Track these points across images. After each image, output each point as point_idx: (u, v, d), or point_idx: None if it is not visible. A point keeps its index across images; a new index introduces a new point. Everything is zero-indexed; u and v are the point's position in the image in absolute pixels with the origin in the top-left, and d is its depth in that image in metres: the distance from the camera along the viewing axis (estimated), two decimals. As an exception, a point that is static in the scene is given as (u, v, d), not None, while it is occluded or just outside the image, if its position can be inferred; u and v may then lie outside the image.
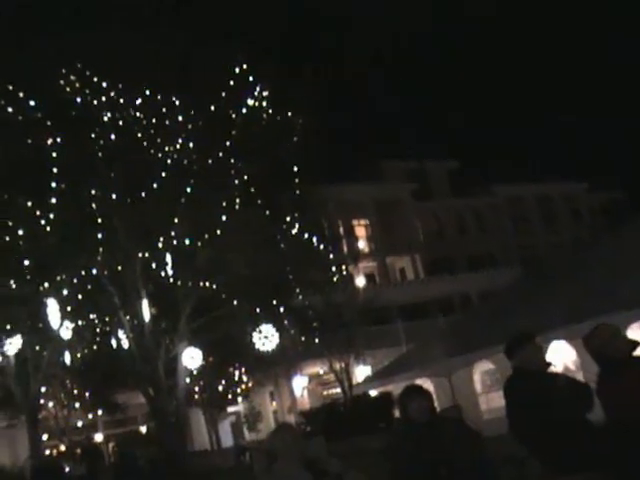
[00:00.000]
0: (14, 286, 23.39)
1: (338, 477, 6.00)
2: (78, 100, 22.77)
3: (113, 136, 22.57)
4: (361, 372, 37.58)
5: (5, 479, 25.60)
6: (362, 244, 50.16)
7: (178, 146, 22.92)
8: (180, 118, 22.98)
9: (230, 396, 35.52)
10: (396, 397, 24.27)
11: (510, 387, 6.33)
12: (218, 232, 22.54)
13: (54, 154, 22.29)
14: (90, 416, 34.52)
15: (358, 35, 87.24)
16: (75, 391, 31.55)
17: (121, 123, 22.87)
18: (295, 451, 6.04)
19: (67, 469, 25.66)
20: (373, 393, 30.07)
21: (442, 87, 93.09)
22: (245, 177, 23.13)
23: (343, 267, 29.78)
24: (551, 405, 5.82)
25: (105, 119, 22.73)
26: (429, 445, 5.87)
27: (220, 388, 33.95)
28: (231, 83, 23.49)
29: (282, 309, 25.09)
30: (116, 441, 36.92)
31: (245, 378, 35.10)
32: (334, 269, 27.50)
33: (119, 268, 23.15)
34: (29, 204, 22.28)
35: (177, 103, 23.00)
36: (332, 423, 26.80)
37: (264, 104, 23.98)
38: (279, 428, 6.56)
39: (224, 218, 22.54)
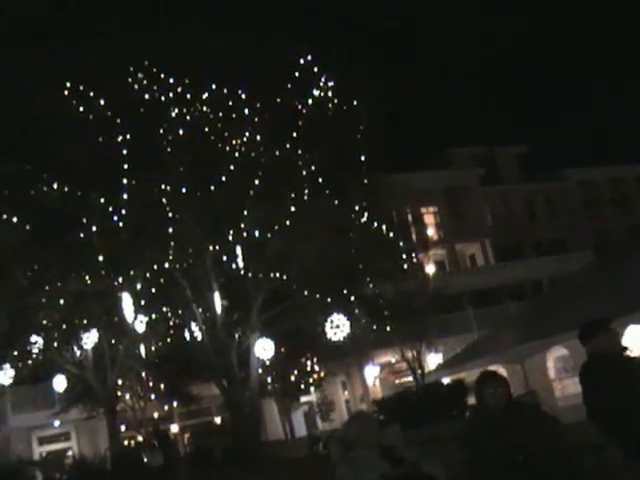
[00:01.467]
0: (89, 282, 23.87)
1: (414, 465, 5.98)
2: (146, 97, 23.08)
3: (181, 131, 22.80)
4: (433, 360, 37.36)
5: (86, 468, 26.16)
6: (431, 231, 49.83)
7: (245, 139, 23.05)
8: (246, 111, 23.10)
9: (302, 386, 35.65)
10: (470, 384, 24.13)
11: (586, 373, 6.25)
12: (287, 223, 22.62)
13: (124, 151, 22.64)
14: (166, 407, 35.00)
15: (426, 23, 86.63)
16: (151, 383, 32.04)
17: (188, 118, 23.09)
18: (371, 439, 6.05)
19: (145, 459, 26.15)
20: (445, 381, 29.86)
21: (510, 71, 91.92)
22: (313, 167, 23.16)
23: (413, 255, 29.60)
24: (628, 390, 5.73)
25: (173, 114, 22.99)
26: (506, 432, 5.82)
27: (292, 378, 34.10)
28: (296, 74, 23.55)
29: (353, 298, 25.07)
30: (191, 432, 37.36)
31: (317, 368, 35.20)
32: (404, 257, 27.35)
33: (190, 261, 23.42)
34: (102, 201, 22.68)
35: (243, 96, 23.13)
36: (404, 411, 26.68)
37: (330, 94, 23.98)
38: (355, 416, 6.57)
39: (293, 209, 22.61)
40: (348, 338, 24.95)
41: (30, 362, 27.24)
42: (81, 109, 22.97)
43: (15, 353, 26.46)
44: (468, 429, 6.30)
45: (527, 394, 8.55)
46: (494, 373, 6.45)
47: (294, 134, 23.29)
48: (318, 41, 24.14)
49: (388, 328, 31.44)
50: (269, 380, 31.80)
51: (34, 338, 25.93)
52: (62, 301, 24.94)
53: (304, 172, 23.22)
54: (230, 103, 23.05)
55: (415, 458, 6.06)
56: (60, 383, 28.69)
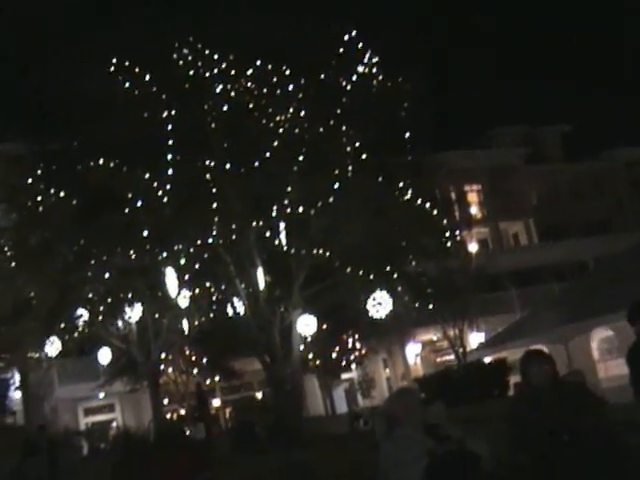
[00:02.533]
0: (134, 257, 24.09)
1: (459, 442, 5.97)
2: (191, 73, 23.13)
3: (225, 107, 22.82)
4: (474, 339, 37.29)
5: (130, 440, 26.52)
6: (474, 210, 49.57)
7: (289, 115, 23.00)
8: (290, 87, 23.04)
9: (344, 363, 35.82)
10: (512, 363, 23.99)
11: (634, 353, 6.19)
12: (331, 200, 22.58)
13: (169, 126, 22.73)
14: (208, 382, 35.34)
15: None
16: (193, 358, 32.37)
17: (233, 94, 23.09)
18: (416, 416, 6.05)
19: (187, 432, 26.46)
20: (487, 360, 29.79)
21: (554, 50, 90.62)
22: (357, 144, 23.06)
23: (456, 233, 29.45)
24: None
25: (217, 90, 23.00)
26: (551, 410, 5.79)
27: (334, 355, 34.25)
28: (340, 50, 23.43)
29: (395, 276, 25.02)
30: (233, 407, 37.72)
31: (359, 345, 35.34)
32: (447, 235, 27.21)
33: (234, 237, 23.52)
34: (146, 177, 22.82)
35: (287, 72, 23.07)
36: (446, 390, 26.68)
37: (374, 70, 23.84)
38: (400, 392, 6.56)
39: (337, 186, 22.55)
40: (390, 316, 24.93)
41: (76, 335, 27.64)
42: (127, 85, 23.08)
43: (62, 326, 26.86)
44: (513, 408, 6.27)
45: (572, 373, 8.49)
46: (540, 351, 6.41)
47: (338, 111, 23.18)
48: (363, 16, 23.84)
49: (430, 306, 31.36)
50: (311, 356, 31.95)
51: (80, 312, 26.29)
52: (107, 275, 25.23)
53: (348, 149, 23.13)
54: (274, 79, 22.99)
55: (459, 435, 6.05)
56: (105, 356, 29.11)
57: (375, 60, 23.82)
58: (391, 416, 6.27)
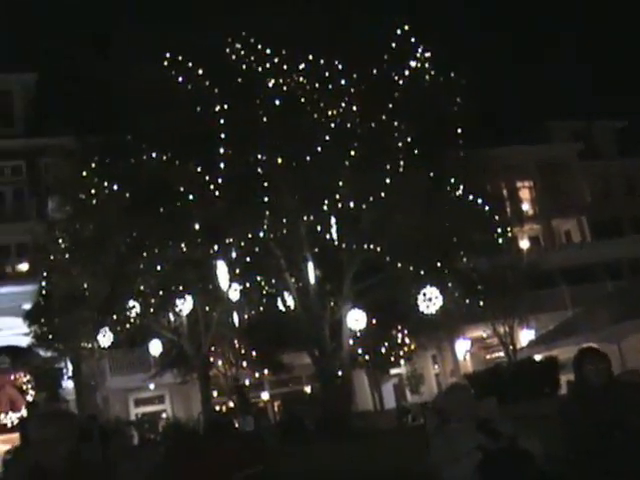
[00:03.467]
0: (186, 249, 24.33)
1: (511, 439, 5.95)
2: (244, 67, 23.25)
3: (277, 101, 22.90)
4: (525, 336, 36.94)
5: (180, 431, 26.81)
6: (526, 206, 49.15)
7: (341, 110, 23.00)
8: (343, 82, 23.05)
9: (393, 358, 35.77)
10: (563, 362, 23.71)
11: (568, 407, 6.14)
12: (382, 195, 22.56)
13: (221, 120, 22.88)
14: (257, 375, 35.55)
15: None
16: (243, 350, 32.57)
17: (285, 88, 23.16)
18: (468, 411, 6.05)
19: (236, 425, 26.64)
20: (537, 357, 29.50)
21: (611, 44, 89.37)
22: (408, 139, 23.00)
23: (507, 229, 29.21)
24: None
25: (270, 85, 23.10)
26: (605, 409, 5.75)
27: (383, 350, 34.22)
28: (393, 45, 23.37)
29: (446, 271, 24.91)
30: (281, 400, 37.89)
31: (408, 341, 35.23)
32: (498, 231, 27.01)
33: (285, 231, 23.62)
34: (199, 170, 23.02)
35: (340, 67, 23.07)
36: (496, 387, 26.49)
37: (426, 65, 23.74)
38: (452, 388, 6.56)
39: (388, 180, 22.52)
40: (440, 312, 24.84)
41: (128, 326, 28.01)
42: (180, 79, 23.29)
43: (114, 317, 27.24)
44: (566, 406, 6.23)
45: (627, 373, 8.40)
46: (595, 350, 6.36)
47: (390, 105, 23.13)
48: (415, 11, 23.74)
49: (481, 303, 31.18)
50: (360, 351, 31.96)
51: (132, 303, 26.64)
52: (159, 268, 25.53)
53: (399, 144, 23.07)
54: (326, 74, 23.02)
55: (512, 432, 6.04)
56: (156, 348, 29.47)
57: (427, 55, 23.70)
58: (443, 411, 6.28)
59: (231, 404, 33.30)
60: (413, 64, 23.58)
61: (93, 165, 26.33)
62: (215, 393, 32.78)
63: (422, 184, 22.39)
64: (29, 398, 39.95)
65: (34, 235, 33.37)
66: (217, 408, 33.19)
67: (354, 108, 22.87)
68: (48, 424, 4.30)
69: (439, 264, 24.42)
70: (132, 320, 27.48)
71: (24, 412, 37.89)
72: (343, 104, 22.95)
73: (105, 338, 28.56)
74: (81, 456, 4.48)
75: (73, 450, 4.30)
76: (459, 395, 6.14)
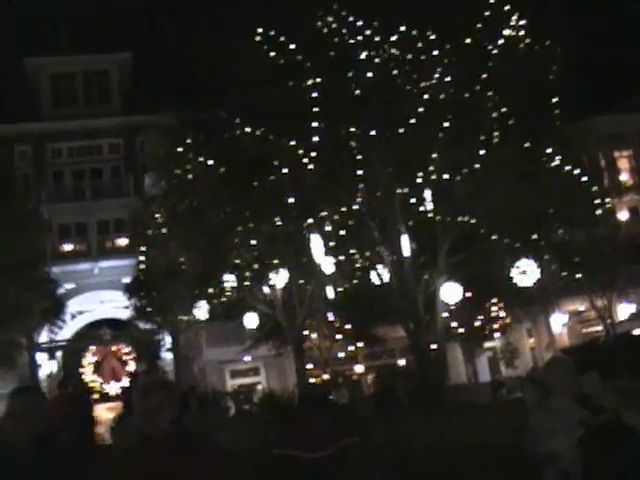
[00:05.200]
0: (280, 223, 24.54)
1: (615, 413, 5.83)
2: (335, 40, 23.19)
3: (370, 74, 22.79)
4: (624, 310, 36.16)
5: (275, 403, 27.15)
6: (625, 176, 47.84)
7: (434, 81, 22.75)
8: (436, 52, 22.77)
9: (487, 331, 35.45)
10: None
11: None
12: (477, 166, 22.28)
13: (314, 94, 22.90)
14: (351, 348, 35.70)
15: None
16: (337, 324, 32.73)
17: (377, 61, 23.02)
18: (570, 385, 5.95)
19: (331, 397, 26.84)
20: (637, 332, 28.86)
21: None
22: (503, 110, 22.61)
23: (605, 201, 28.52)
24: None
25: (362, 57, 22.98)
26: None
27: (477, 323, 33.94)
28: (486, 14, 22.95)
29: (542, 244, 24.52)
30: (375, 373, 37.97)
31: (502, 314, 34.86)
32: (596, 203, 26.41)
33: (379, 204, 23.58)
34: (292, 144, 23.11)
35: (432, 37, 22.80)
36: (593, 362, 26.01)
37: (521, 33, 23.26)
38: (554, 361, 6.44)
39: (483, 152, 22.22)
40: (535, 284, 24.49)
41: (223, 300, 28.46)
42: (272, 54, 23.37)
43: (210, 291, 27.70)
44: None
45: None
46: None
47: (484, 76, 22.77)
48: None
49: (578, 275, 30.60)
50: (454, 324, 31.78)
51: (227, 277, 27.03)
52: (254, 242, 25.82)
53: (494, 114, 22.71)
54: (419, 45, 22.77)
55: (615, 406, 5.92)
56: (251, 320, 29.84)
57: (522, 23, 23.20)
58: (544, 384, 6.20)
59: (325, 376, 33.56)
60: (507, 33, 23.13)
61: (188, 141, 26.73)
62: (309, 365, 33.05)
63: (517, 155, 22.02)
64: (130, 368, 41.15)
65: (132, 211, 34.21)
66: (311, 380, 33.48)
67: (447, 79, 22.59)
68: (151, 394, 4.40)
69: (534, 236, 24.05)
70: (227, 293, 27.91)
71: (125, 382, 39.02)
72: (436, 75, 22.68)
73: (201, 311, 29.13)
74: (182, 425, 4.58)
75: (175, 419, 4.40)
76: (560, 369, 6.04)
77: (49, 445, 4.30)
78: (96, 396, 37.28)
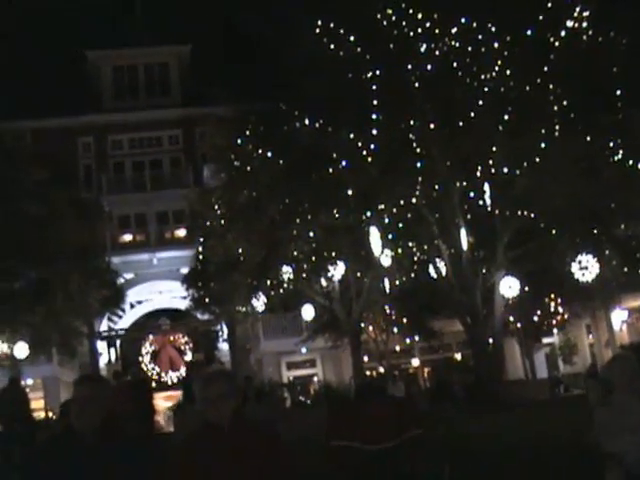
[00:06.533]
0: (338, 215, 24.57)
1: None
2: (395, 33, 23.10)
3: (429, 66, 22.68)
4: (689, 307, 35.44)
5: (331, 394, 27.24)
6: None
7: (494, 74, 22.54)
8: (496, 45, 22.55)
9: (545, 327, 35.08)
10: None
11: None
12: (537, 160, 22.04)
13: (373, 87, 22.87)
14: (407, 341, 35.62)
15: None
16: (393, 317, 32.67)
17: (437, 53, 22.89)
18: (633, 383, 5.86)
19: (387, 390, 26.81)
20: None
21: None
22: (564, 103, 22.30)
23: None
24: None
25: (422, 50, 22.88)
26: None
27: (535, 318, 33.60)
28: (549, 5, 22.65)
29: (603, 239, 24.17)
30: (431, 367, 37.83)
31: (561, 309, 34.45)
32: (660, 197, 25.89)
33: (437, 197, 23.48)
34: (351, 136, 23.11)
35: (493, 29, 22.58)
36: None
37: (584, 25, 22.89)
38: (617, 358, 6.36)
39: (543, 145, 21.96)
40: (595, 280, 24.16)
41: (281, 291, 28.59)
42: (332, 47, 23.38)
43: (268, 282, 27.86)
44: None
45: None
46: None
47: (545, 68, 22.46)
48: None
49: (640, 271, 30.05)
50: (512, 319, 31.52)
51: (285, 269, 27.14)
52: (312, 234, 25.89)
53: (555, 107, 22.40)
54: (479, 37, 22.56)
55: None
56: (308, 312, 29.97)
57: (586, 14, 22.83)
58: (607, 382, 6.12)
59: (381, 369, 33.54)
60: (570, 24, 22.78)
61: (247, 133, 26.87)
62: (366, 358, 33.06)
63: (579, 149, 21.73)
64: (187, 358, 41.58)
65: (190, 202, 34.47)
66: (367, 373, 33.49)
67: (508, 72, 22.35)
68: (214, 382, 4.47)
69: (595, 231, 23.72)
70: (285, 285, 28.02)
71: (183, 371, 39.44)
72: (497, 68, 22.46)
73: (259, 302, 29.31)
74: (244, 415, 4.64)
75: (237, 409, 4.47)
76: (623, 366, 5.94)
77: (112, 431, 4.38)
78: (154, 385, 37.74)
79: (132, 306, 41.47)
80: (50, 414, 28.52)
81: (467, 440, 13.23)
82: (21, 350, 29.71)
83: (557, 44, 22.78)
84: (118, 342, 41.52)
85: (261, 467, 4.30)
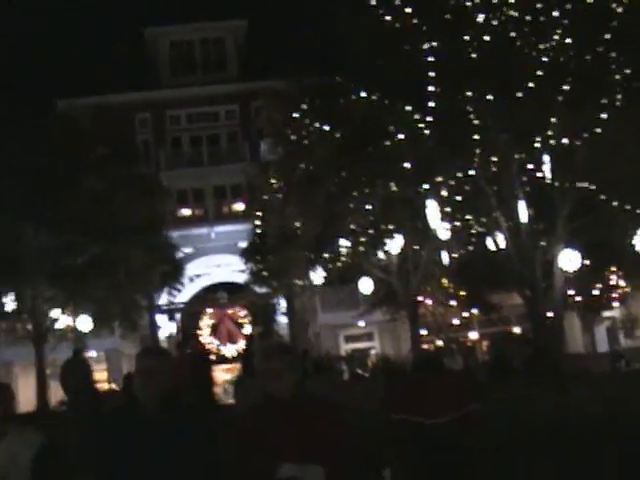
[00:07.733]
0: (396, 188, 24.49)
1: None
2: (452, 3, 22.83)
3: (487, 37, 22.37)
4: None
5: (389, 368, 27.32)
6: None
7: (554, 43, 22.14)
8: (556, 13, 22.14)
9: (606, 300, 34.61)
10: None
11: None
12: (598, 130, 21.64)
13: (430, 58, 22.65)
14: (465, 314, 35.48)
15: None
16: (451, 290, 32.54)
17: (495, 23, 22.56)
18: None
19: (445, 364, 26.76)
20: None
21: None
22: (627, 71, 21.83)
23: None
24: None
25: (479, 20, 22.57)
26: None
27: (596, 292, 33.17)
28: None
29: (667, 210, 23.71)
30: (490, 340, 37.65)
31: (622, 282, 33.95)
32: None
33: (496, 169, 23.23)
34: (408, 109, 22.96)
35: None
36: None
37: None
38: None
39: (604, 116, 21.55)
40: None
41: (338, 265, 28.67)
42: (388, 18, 23.20)
43: (325, 256, 27.95)
44: None
45: None
46: None
47: (607, 36, 21.98)
48: None
49: None
50: (571, 292, 31.15)
51: (343, 242, 27.20)
52: (369, 207, 25.87)
53: (617, 77, 21.95)
54: (538, 6, 22.16)
55: None
56: (365, 286, 30.01)
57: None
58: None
59: (439, 343, 33.49)
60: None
61: (304, 107, 26.88)
62: (423, 331, 33.04)
63: (641, 118, 21.28)
64: (245, 331, 42.00)
65: (248, 176, 34.68)
66: (425, 346, 33.46)
67: (568, 41, 21.94)
68: (275, 355, 4.50)
69: (658, 202, 23.28)
70: (342, 258, 28.09)
71: (242, 345, 39.88)
72: (556, 37, 22.05)
73: (317, 276, 29.45)
74: (304, 388, 4.68)
75: (298, 382, 4.49)
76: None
77: (174, 403, 4.45)
78: (213, 358, 38.21)
79: (191, 280, 41.92)
80: (113, 385, 29.13)
81: (527, 413, 13.18)
82: (85, 323, 30.31)
83: (619, 11, 22.28)
84: (178, 315, 42.05)
85: (324, 439, 4.33)
